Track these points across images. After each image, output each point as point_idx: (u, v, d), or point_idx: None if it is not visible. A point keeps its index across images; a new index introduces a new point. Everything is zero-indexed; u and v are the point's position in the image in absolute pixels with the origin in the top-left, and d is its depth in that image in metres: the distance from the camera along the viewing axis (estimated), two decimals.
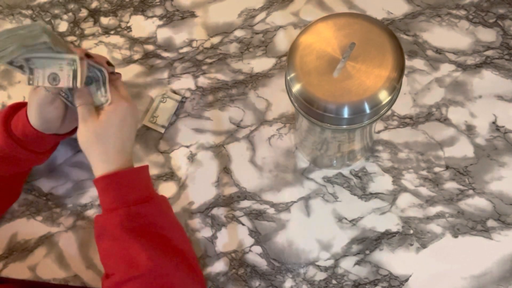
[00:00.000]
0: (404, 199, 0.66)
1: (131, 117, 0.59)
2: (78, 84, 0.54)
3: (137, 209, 0.56)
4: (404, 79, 0.66)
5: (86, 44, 0.82)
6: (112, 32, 0.82)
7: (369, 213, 0.66)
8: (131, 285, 0.53)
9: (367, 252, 0.65)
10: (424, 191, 0.66)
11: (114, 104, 0.58)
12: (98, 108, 0.58)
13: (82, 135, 0.57)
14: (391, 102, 0.49)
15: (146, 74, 0.78)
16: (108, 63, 0.60)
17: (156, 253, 0.55)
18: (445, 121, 0.69)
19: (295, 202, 0.68)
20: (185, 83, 0.77)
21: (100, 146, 0.57)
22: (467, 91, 0.70)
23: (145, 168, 0.60)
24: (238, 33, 0.79)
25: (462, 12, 0.75)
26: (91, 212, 0.72)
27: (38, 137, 0.62)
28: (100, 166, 0.57)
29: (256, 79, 0.75)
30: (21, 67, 0.54)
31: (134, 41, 0.81)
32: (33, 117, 0.60)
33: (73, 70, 0.54)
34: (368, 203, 0.67)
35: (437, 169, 0.67)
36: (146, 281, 0.53)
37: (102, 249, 0.57)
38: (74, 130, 0.67)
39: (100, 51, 0.81)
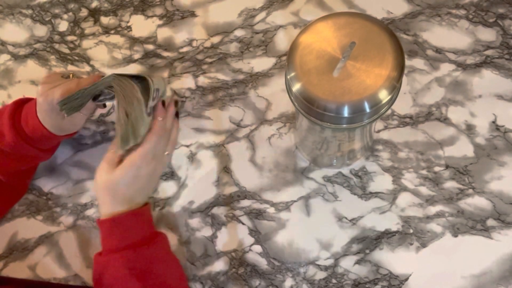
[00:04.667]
0: (404, 199, 0.66)
1: (148, 172, 0.57)
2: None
3: (141, 250, 0.55)
4: (404, 78, 0.66)
5: (86, 43, 0.82)
6: (112, 31, 0.82)
7: (369, 212, 0.67)
8: None
9: (367, 251, 0.65)
10: (424, 190, 0.66)
11: (131, 159, 0.55)
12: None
13: (98, 179, 0.57)
14: (391, 101, 0.49)
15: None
16: (175, 103, 0.60)
17: None
18: (445, 120, 0.69)
19: (295, 201, 0.68)
20: (185, 82, 0.77)
21: (109, 194, 0.56)
22: (467, 91, 0.70)
23: (148, 208, 0.59)
24: (238, 32, 0.79)
25: (462, 12, 0.75)
26: (91, 212, 0.72)
27: (48, 137, 0.63)
28: (106, 209, 0.56)
29: (256, 79, 0.75)
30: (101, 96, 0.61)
31: (134, 41, 0.81)
32: (47, 123, 0.62)
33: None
34: (368, 203, 0.67)
35: (437, 169, 0.67)
36: None
37: None
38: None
39: (100, 50, 0.81)
